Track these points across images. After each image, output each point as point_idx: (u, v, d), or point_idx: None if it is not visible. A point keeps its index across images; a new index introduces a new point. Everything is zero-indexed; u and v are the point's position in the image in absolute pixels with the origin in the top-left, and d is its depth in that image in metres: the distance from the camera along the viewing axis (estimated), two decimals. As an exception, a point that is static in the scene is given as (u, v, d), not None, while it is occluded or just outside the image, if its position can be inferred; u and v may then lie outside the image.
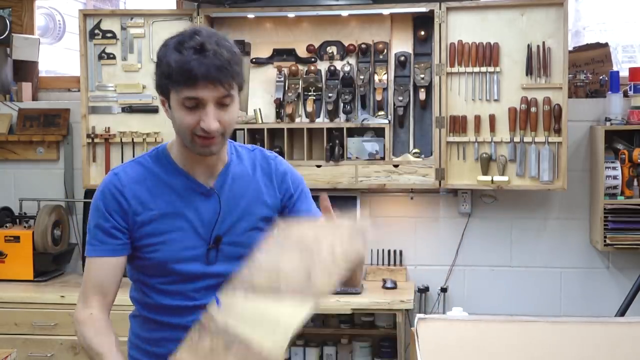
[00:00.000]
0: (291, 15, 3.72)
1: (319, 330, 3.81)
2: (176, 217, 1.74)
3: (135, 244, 1.76)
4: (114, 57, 3.74)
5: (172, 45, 1.64)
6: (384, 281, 3.67)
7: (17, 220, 3.94)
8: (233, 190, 1.79)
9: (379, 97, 3.63)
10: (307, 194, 1.88)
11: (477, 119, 3.53)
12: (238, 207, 1.78)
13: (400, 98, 3.64)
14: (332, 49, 3.74)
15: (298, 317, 1.43)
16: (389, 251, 3.85)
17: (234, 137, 3.64)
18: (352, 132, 3.62)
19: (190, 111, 1.64)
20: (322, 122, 3.66)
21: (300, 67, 3.74)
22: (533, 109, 3.49)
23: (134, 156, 3.71)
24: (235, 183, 1.79)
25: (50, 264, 3.85)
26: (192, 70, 1.60)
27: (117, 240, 1.74)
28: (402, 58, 3.71)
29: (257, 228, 1.79)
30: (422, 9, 3.55)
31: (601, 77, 3.77)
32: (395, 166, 3.55)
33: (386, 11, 3.67)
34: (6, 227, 3.86)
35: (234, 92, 1.66)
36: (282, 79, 3.72)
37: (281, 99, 3.69)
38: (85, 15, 3.76)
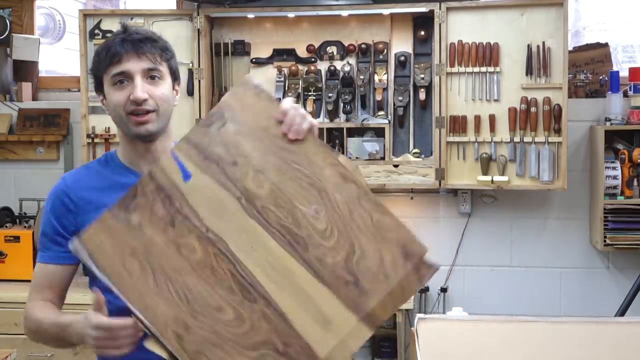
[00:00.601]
0: (291, 15, 3.72)
1: (319, 330, 3.81)
2: None
3: None
4: (114, 57, 3.73)
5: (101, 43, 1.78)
6: (384, 281, 3.67)
7: (17, 220, 3.94)
8: None
9: (379, 97, 3.63)
10: None
11: (477, 119, 3.53)
12: None
13: (400, 98, 3.64)
14: (332, 49, 3.74)
15: None
16: (389, 251, 3.84)
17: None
18: (352, 132, 3.62)
19: (120, 88, 1.69)
20: (322, 122, 3.66)
21: (300, 67, 3.74)
22: (533, 109, 3.49)
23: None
24: None
25: (50, 264, 3.85)
26: (115, 47, 1.68)
27: (61, 248, 1.73)
28: (402, 58, 3.71)
29: None
30: (422, 9, 3.55)
31: (601, 77, 3.77)
32: (395, 166, 3.55)
33: (386, 11, 3.67)
34: (6, 227, 3.86)
35: (162, 68, 1.71)
36: (282, 79, 3.72)
37: (281, 99, 3.68)
38: (85, 15, 3.76)
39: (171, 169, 1.49)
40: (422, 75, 3.61)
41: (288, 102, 1.54)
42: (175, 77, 1.76)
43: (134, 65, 1.68)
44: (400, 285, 1.45)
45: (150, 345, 1.44)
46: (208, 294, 1.44)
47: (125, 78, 1.69)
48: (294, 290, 1.44)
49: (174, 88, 1.76)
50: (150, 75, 1.70)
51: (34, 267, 4.15)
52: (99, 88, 1.75)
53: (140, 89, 1.67)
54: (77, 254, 1.49)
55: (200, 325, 1.43)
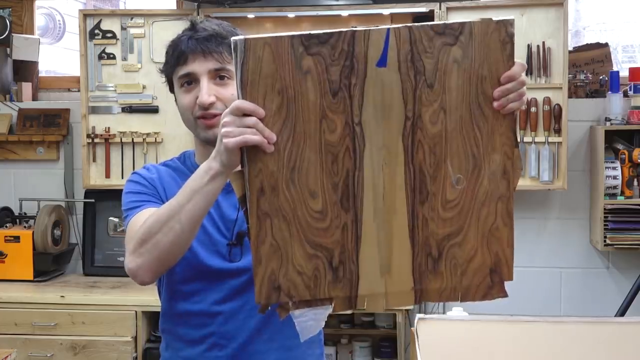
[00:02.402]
0: (291, 15, 3.72)
1: (319, 330, 3.81)
2: None
3: None
4: (114, 57, 3.74)
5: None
6: (384, 281, 3.67)
7: (17, 220, 3.94)
8: None
9: (379, 97, 3.62)
10: None
11: (477, 119, 3.53)
12: None
13: (401, 98, 3.63)
14: (332, 49, 3.74)
15: None
16: (389, 251, 3.84)
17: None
18: (352, 132, 3.61)
19: (187, 91, 1.62)
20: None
21: (300, 67, 3.74)
22: (533, 109, 3.49)
23: (134, 156, 3.73)
24: None
25: (50, 264, 3.85)
26: (181, 47, 1.61)
27: (158, 201, 1.65)
28: (402, 58, 3.70)
29: None
30: (422, 9, 3.55)
31: (601, 77, 3.77)
32: (395, 166, 3.55)
33: (386, 11, 3.67)
34: (6, 227, 3.86)
35: (230, 67, 1.59)
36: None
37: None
38: (85, 15, 3.76)
39: (374, 45, 1.33)
40: (422, 75, 3.60)
41: (518, 69, 1.37)
42: None
43: (200, 66, 1.60)
44: (466, 288, 1.41)
45: (233, 178, 1.35)
46: (314, 175, 1.35)
47: (191, 79, 1.61)
48: (384, 228, 1.38)
49: None
50: (219, 76, 1.61)
51: (34, 267, 4.16)
52: (172, 88, 1.69)
53: (206, 91, 1.59)
54: (233, 50, 1.30)
55: (287, 194, 1.34)
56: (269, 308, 1.36)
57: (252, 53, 1.30)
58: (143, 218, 1.54)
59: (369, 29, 1.32)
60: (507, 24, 1.36)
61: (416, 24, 1.34)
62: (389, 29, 1.32)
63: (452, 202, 1.38)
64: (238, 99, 1.30)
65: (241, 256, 1.68)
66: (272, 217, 1.35)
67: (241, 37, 1.30)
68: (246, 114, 1.29)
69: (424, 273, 1.39)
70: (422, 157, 1.37)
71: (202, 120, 1.62)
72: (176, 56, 1.62)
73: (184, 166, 1.74)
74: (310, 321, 1.41)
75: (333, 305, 1.39)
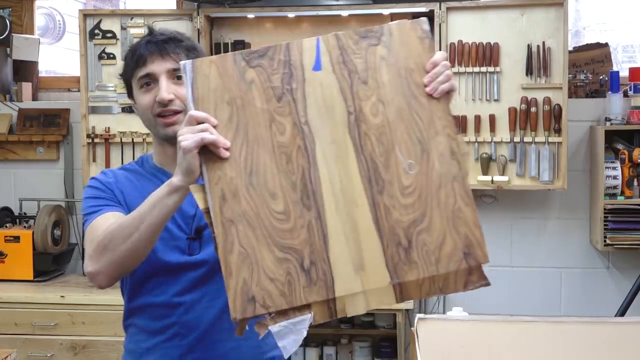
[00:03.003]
0: (291, 15, 3.72)
1: (319, 330, 3.81)
2: None
3: None
4: (114, 57, 3.74)
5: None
6: (384, 281, 3.67)
7: (17, 220, 3.94)
8: None
9: (379, 97, 3.62)
10: None
11: (477, 119, 3.53)
12: None
13: (400, 98, 3.64)
14: (332, 49, 3.74)
15: None
16: (389, 251, 3.84)
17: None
18: (352, 132, 3.61)
19: (146, 91, 1.70)
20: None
21: (300, 67, 3.74)
22: (533, 109, 3.49)
23: (134, 156, 3.72)
24: None
25: (50, 264, 3.85)
26: (140, 50, 1.70)
27: (118, 206, 1.72)
28: (402, 58, 3.71)
29: None
30: (422, 9, 3.56)
31: (601, 77, 3.77)
32: (395, 166, 3.55)
33: (386, 11, 3.67)
34: (6, 227, 3.86)
35: None
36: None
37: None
38: (85, 15, 3.76)
39: (308, 52, 1.46)
40: (422, 75, 3.61)
41: (441, 56, 1.48)
42: None
43: (158, 67, 1.69)
44: (445, 278, 1.41)
45: (195, 189, 1.41)
46: (271, 176, 1.40)
47: (150, 80, 1.70)
48: (348, 221, 1.40)
49: None
50: (177, 76, 1.69)
51: (34, 267, 4.16)
52: (130, 93, 1.77)
53: (165, 89, 1.67)
54: (183, 72, 1.43)
55: (248, 198, 1.39)
56: (247, 328, 1.37)
57: (200, 72, 1.43)
58: (102, 222, 1.62)
59: (301, 40, 1.48)
60: (421, 23, 1.49)
61: (341, 32, 1.48)
62: (318, 38, 1.47)
63: (409, 188, 1.42)
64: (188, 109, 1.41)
65: (200, 249, 1.74)
66: (237, 223, 1.38)
67: (189, 60, 1.44)
68: (200, 122, 1.39)
69: (398, 264, 1.40)
70: (371, 148, 1.43)
71: (161, 118, 1.70)
72: (135, 59, 1.70)
73: (142, 169, 1.81)
74: (290, 335, 1.38)
75: (313, 314, 1.38)
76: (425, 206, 1.41)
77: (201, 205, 1.40)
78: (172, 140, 1.62)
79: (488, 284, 1.46)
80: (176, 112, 1.68)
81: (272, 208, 1.39)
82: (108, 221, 1.61)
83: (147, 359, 1.77)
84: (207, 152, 1.40)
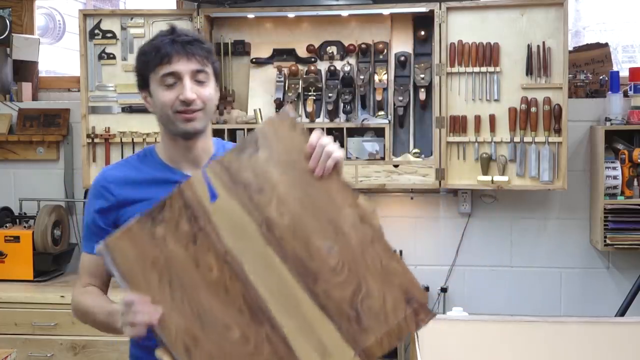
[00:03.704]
0: (291, 15, 3.72)
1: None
2: None
3: None
4: (114, 57, 3.74)
5: (147, 42, 1.82)
6: (384, 281, 3.67)
7: (17, 220, 3.94)
8: None
9: (379, 97, 3.63)
10: None
11: (477, 119, 3.53)
12: None
13: (400, 98, 3.64)
14: (332, 49, 3.74)
15: None
16: (389, 251, 3.84)
17: (233, 138, 3.65)
18: (352, 132, 3.62)
19: (169, 88, 1.74)
20: (322, 122, 3.66)
21: (300, 67, 3.74)
22: (533, 109, 3.49)
23: (134, 156, 3.72)
24: None
25: (50, 264, 3.85)
26: (166, 48, 1.74)
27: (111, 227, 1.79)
28: (402, 58, 3.71)
29: None
30: (422, 9, 3.55)
31: (601, 77, 3.77)
32: (395, 166, 3.55)
33: (386, 11, 3.67)
34: (6, 227, 3.86)
35: (208, 70, 1.77)
36: (282, 79, 3.72)
37: (281, 99, 3.69)
38: (85, 15, 3.76)
39: (200, 188, 1.54)
40: (422, 75, 3.61)
41: (315, 137, 1.57)
42: (217, 78, 1.82)
43: (184, 66, 1.73)
44: (398, 327, 1.52)
45: (161, 354, 1.49)
46: (219, 311, 1.49)
47: (174, 78, 1.74)
48: (299, 319, 1.50)
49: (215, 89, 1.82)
50: (198, 77, 1.75)
51: (34, 267, 4.16)
52: (144, 86, 1.80)
53: (190, 89, 1.72)
54: (103, 256, 1.54)
55: (208, 340, 1.48)
56: None
57: (116, 250, 1.52)
58: (87, 265, 1.86)
59: (190, 177, 1.59)
60: (287, 113, 1.60)
61: (219, 155, 1.60)
62: (204, 169, 1.57)
63: (337, 266, 1.53)
64: (121, 287, 1.53)
65: None
66: None
67: (101, 243, 1.54)
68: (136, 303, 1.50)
69: (355, 335, 1.50)
70: (291, 247, 1.53)
71: (182, 114, 1.74)
72: (160, 56, 1.73)
73: (144, 162, 1.85)
74: None
75: None
76: (357, 276, 1.52)
77: None
78: (188, 136, 1.77)
79: (435, 315, 1.58)
80: (195, 110, 1.74)
81: (230, 339, 1.49)
82: (94, 266, 1.83)
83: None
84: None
